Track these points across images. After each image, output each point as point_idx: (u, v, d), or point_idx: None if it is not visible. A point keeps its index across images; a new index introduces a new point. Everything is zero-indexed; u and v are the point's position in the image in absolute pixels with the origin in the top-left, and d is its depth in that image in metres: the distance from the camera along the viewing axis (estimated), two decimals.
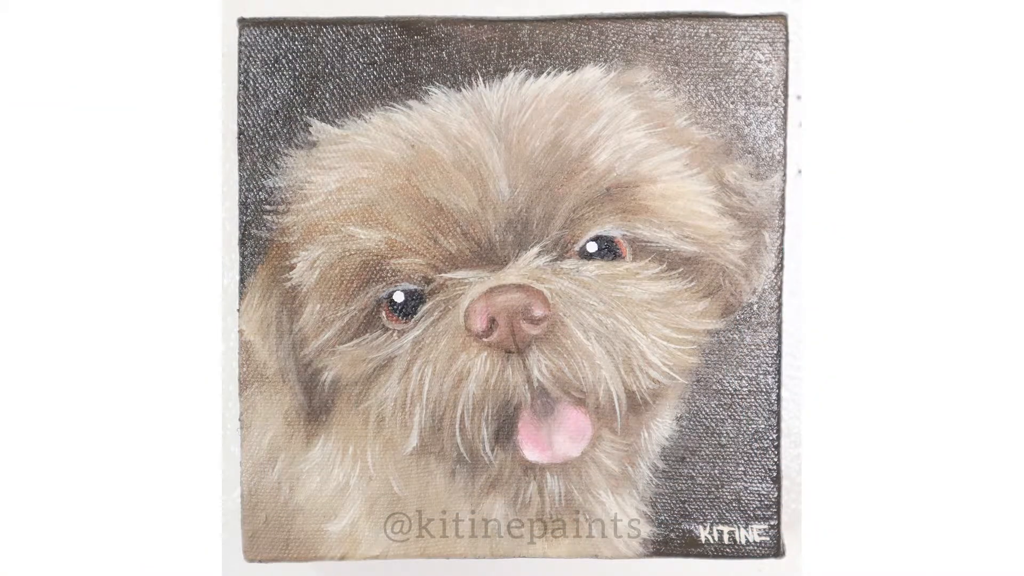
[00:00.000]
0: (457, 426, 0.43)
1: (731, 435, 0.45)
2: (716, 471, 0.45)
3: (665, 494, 0.45)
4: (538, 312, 0.42)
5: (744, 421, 0.45)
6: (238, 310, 0.44)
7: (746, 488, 0.45)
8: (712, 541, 0.45)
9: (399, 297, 0.44)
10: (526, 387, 0.43)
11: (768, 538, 0.45)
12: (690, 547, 0.45)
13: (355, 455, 0.44)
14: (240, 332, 0.44)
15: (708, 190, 0.45)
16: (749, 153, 0.45)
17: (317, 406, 0.44)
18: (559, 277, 0.43)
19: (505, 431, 0.43)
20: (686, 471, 0.45)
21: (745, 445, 0.45)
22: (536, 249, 0.43)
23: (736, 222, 0.45)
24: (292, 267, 0.44)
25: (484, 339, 0.42)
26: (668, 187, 0.45)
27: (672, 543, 0.45)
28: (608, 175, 0.44)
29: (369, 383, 0.44)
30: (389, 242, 0.43)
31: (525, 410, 0.43)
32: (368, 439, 0.44)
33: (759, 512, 0.45)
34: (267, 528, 0.44)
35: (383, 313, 0.44)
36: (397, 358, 0.43)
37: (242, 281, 0.44)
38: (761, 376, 0.45)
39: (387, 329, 0.44)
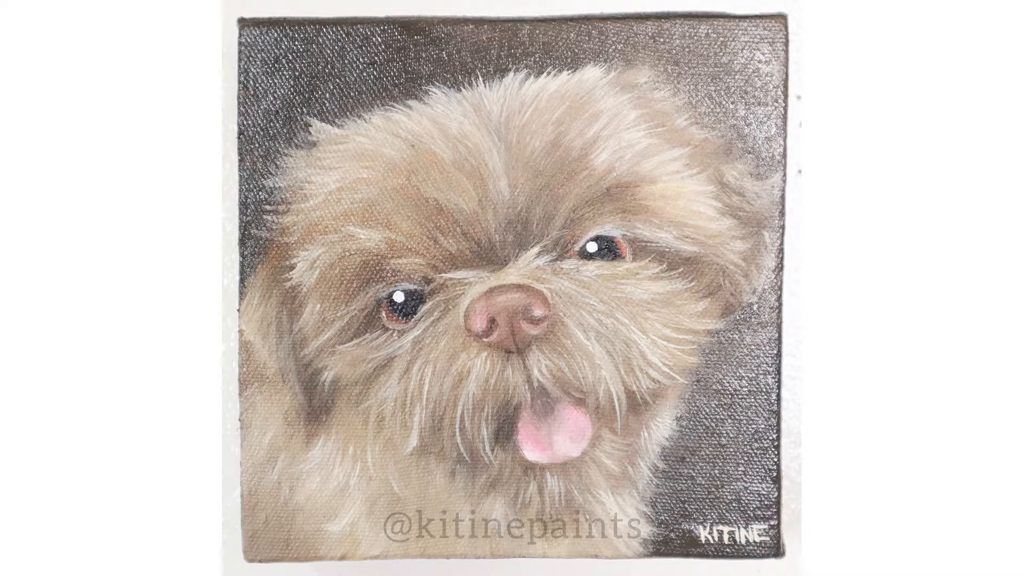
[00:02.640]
0: (457, 426, 0.43)
1: (731, 435, 0.45)
2: (716, 471, 0.45)
3: (665, 494, 0.45)
4: (538, 312, 0.42)
5: (744, 421, 0.45)
6: (238, 310, 0.44)
7: (746, 488, 0.45)
8: (712, 541, 0.45)
9: (399, 297, 0.44)
10: (526, 387, 0.43)
11: (768, 538, 0.45)
12: (690, 547, 0.45)
13: (355, 455, 0.44)
14: (240, 332, 0.44)
15: (708, 190, 0.45)
16: (749, 153, 0.45)
17: (317, 406, 0.44)
18: (559, 277, 0.43)
19: (505, 431, 0.43)
20: (686, 471, 0.45)
21: (745, 445, 0.45)
22: (536, 249, 0.43)
23: (736, 222, 0.45)
24: (292, 267, 0.44)
25: (484, 339, 0.42)
26: (668, 187, 0.45)
27: (672, 543, 0.45)
28: (608, 175, 0.44)
29: (369, 383, 0.44)
30: (389, 242, 0.43)
31: (525, 410, 0.43)
32: (368, 439, 0.44)
33: (759, 512, 0.45)
34: (267, 528, 0.44)
35: (383, 313, 0.44)
36: (397, 358, 0.43)
37: (242, 281, 0.44)
38: (761, 376, 0.45)
39: (387, 329, 0.44)
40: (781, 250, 0.45)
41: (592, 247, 0.44)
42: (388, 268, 0.43)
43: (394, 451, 0.44)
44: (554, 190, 0.44)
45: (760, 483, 0.45)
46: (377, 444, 0.44)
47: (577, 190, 0.44)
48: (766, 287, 0.45)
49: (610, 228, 0.44)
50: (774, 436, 0.45)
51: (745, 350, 0.45)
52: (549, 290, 0.43)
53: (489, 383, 0.42)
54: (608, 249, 0.44)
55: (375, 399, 0.44)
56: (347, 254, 0.43)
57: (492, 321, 0.42)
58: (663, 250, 0.44)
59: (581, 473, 0.44)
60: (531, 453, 0.44)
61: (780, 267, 0.45)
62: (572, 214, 0.44)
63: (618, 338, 0.43)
